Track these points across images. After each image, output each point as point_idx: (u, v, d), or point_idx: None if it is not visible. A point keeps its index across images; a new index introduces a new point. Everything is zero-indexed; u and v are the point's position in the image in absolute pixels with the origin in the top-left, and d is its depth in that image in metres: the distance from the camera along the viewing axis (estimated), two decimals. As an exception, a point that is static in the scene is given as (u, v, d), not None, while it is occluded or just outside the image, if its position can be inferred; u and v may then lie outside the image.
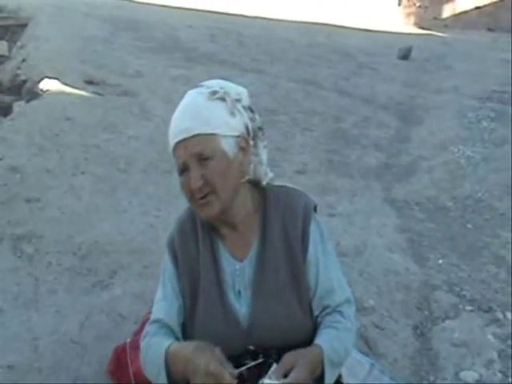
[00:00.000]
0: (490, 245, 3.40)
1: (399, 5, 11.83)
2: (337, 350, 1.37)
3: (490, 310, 2.77)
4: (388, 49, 8.49)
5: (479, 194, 4.02)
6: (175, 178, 1.46)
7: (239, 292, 1.42)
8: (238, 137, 1.38)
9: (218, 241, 1.46)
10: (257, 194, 1.47)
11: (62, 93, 4.76)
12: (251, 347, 1.36)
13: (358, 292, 2.77)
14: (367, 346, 2.50)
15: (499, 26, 10.87)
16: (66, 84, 4.88)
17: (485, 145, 4.87)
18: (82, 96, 4.81)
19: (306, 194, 1.51)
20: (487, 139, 4.98)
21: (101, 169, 3.77)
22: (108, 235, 3.10)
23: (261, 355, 1.29)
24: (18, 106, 4.66)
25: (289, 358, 1.29)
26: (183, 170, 1.38)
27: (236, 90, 1.42)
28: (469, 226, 3.65)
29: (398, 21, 11.53)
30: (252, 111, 1.44)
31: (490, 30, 10.94)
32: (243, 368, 1.29)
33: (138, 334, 2.19)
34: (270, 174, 1.49)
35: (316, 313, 1.44)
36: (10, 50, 6.46)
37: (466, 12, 11.39)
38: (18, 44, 6.53)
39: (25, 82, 5.18)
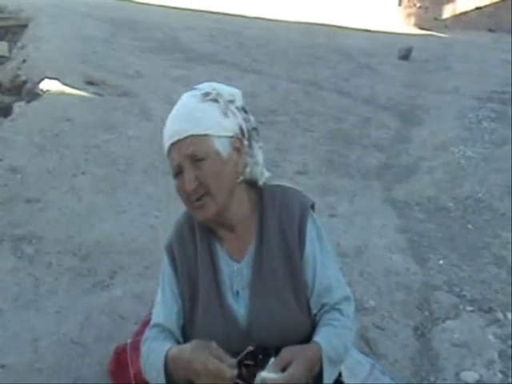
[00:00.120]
0: (490, 245, 3.39)
1: (399, 5, 11.82)
2: (336, 348, 1.37)
3: (490, 310, 2.77)
4: (388, 49, 8.49)
5: (480, 195, 4.01)
6: (175, 179, 1.46)
7: (237, 292, 1.43)
8: (232, 137, 1.39)
9: (215, 243, 1.46)
10: (253, 194, 1.48)
11: (62, 93, 4.76)
12: (251, 347, 1.36)
13: (358, 292, 2.77)
14: (368, 346, 2.50)
15: (500, 27, 10.87)
16: (66, 84, 4.88)
17: (485, 145, 4.87)
18: (82, 96, 4.82)
19: (303, 192, 1.52)
20: (487, 140, 4.98)
21: (101, 169, 3.77)
22: (108, 236, 3.10)
23: (260, 355, 1.29)
24: (19, 107, 4.66)
25: (287, 352, 1.30)
26: (178, 172, 1.39)
27: (229, 91, 1.43)
28: (469, 226, 3.65)
29: (399, 21, 11.52)
30: (246, 112, 1.44)
31: (490, 30, 10.94)
32: (242, 355, 1.29)
33: (138, 334, 2.18)
34: (267, 174, 1.49)
35: (314, 311, 1.44)
36: (10, 50, 6.47)
37: (466, 12, 11.38)
38: (19, 44, 6.54)
39: (25, 82, 5.18)
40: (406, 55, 8.10)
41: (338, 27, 10.20)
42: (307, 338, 1.39)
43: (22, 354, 2.31)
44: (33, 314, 2.53)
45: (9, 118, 4.40)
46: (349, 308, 1.46)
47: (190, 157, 1.35)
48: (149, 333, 1.47)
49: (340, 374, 1.49)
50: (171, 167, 1.40)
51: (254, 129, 1.46)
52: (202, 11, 10.24)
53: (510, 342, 2.55)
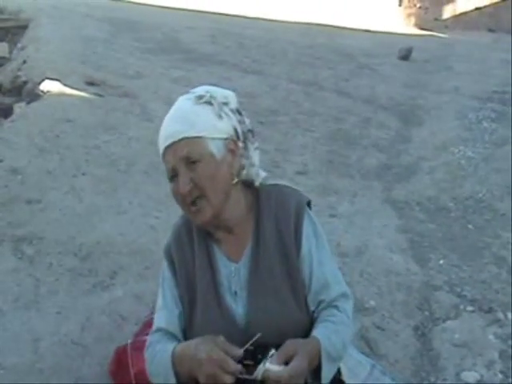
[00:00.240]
0: (490, 245, 3.39)
1: (400, 5, 11.83)
2: (334, 344, 1.37)
3: (490, 310, 2.77)
4: (388, 49, 8.49)
5: (480, 195, 4.01)
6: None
7: (235, 293, 1.43)
8: (226, 139, 1.39)
9: (213, 244, 1.47)
10: (250, 195, 1.48)
11: (63, 94, 4.76)
12: (250, 347, 1.36)
13: (358, 292, 2.78)
14: (368, 346, 2.50)
15: (500, 27, 10.87)
16: (66, 85, 4.88)
17: (485, 145, 4.86)
18: (82, 97, 4.82)
19: (299, 190, 1.53)
20: (488, 140, 4.98)
21: (101, 170, 3.77)
22: (109, 236, 3.10)
23: (260, 355, 1.29)
24: (19, 108, 4.66)
25: (290, 345, 1.30)
26: (173, 175, 1.39)
27: (223, 93, 1.43)
28: (470, 226, 3.65)
29: (399, 21, 11.53)
30: (240, 114, 1.45)
31: (490, 30, 10.94)
32: (247, 345, 1.30)
33: (139, 335, 2.19)
34: (263, 174, 1.50)
35: (312, 308, 1.45)
36: (10, 51, 6.47)
37: (466, 13, 11.39)
38: (19, 45, 6.54)
39: (25, 83, 5.18)
40: (406, 55, 8.10)
41: (338, 27, 10.21)
42: (306, 336, 1.39)
43: (22, 354, 2.32)
44: (33, 315, 2.53)
45: (9, 119, 4.40)
46: (346, 304, 1.46)
47: (184, 159, 1.36)
48: (152, 338, 1.47)
49: (340, 373, 1.49)
50: (166, 170, 1.41)
51: (250, 130, 1.46)
52: (202, 11, 10.25)
53: (510, 342, 2.55)
